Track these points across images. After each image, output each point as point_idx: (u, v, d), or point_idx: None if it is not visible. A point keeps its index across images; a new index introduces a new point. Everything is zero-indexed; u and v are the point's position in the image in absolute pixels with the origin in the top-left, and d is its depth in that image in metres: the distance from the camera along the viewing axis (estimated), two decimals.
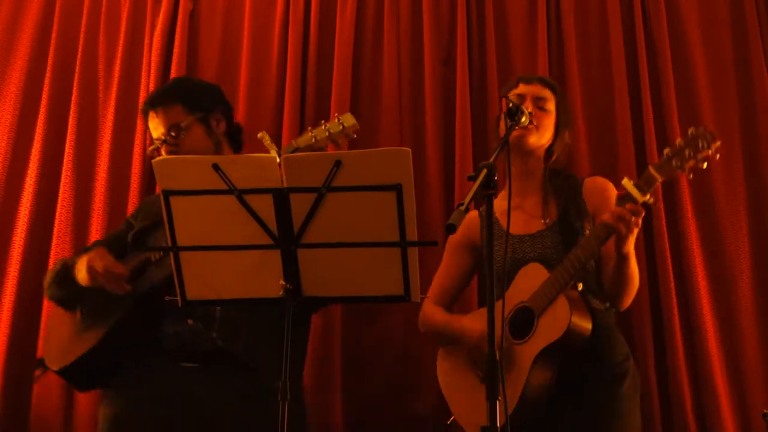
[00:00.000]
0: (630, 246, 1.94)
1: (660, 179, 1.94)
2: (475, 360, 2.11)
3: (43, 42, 3.35)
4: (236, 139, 2.35)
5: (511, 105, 1.94)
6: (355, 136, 2.18)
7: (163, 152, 2.21)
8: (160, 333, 2.04)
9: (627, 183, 1.95)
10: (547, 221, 2.17)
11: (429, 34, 3.24)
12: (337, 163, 1.57)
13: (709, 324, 2.88)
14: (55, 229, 3.08)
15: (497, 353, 1.49)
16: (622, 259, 1.97)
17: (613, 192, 2.23)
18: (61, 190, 3.12)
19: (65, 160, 3.16)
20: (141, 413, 2.02)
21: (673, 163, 1.94)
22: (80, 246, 3.06)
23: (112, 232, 2.42)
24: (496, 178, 1.59)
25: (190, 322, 2.05)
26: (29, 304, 3.01)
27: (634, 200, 1.91)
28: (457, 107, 3.12)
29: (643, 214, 1.91)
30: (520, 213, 2.19)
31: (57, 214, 3.09)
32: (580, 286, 2.06)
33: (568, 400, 2.00)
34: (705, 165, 1.94)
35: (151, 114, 2.25)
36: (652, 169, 1.96)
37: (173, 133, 2.20)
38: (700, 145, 1.92)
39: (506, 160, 2.24)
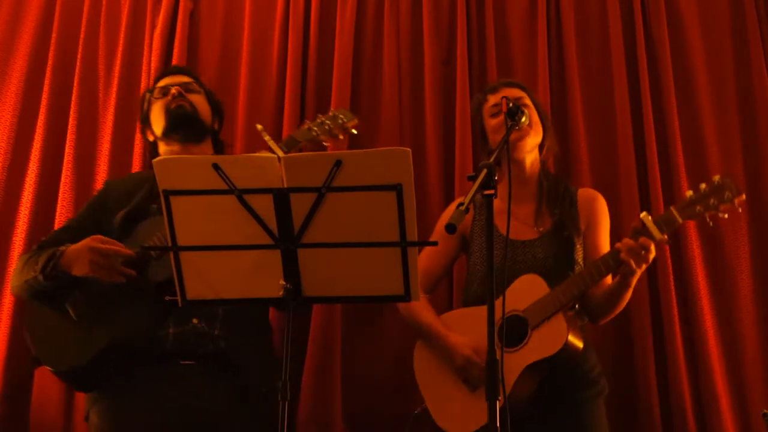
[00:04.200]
0: (636, 278, 1.96)
1: (681, 221, 1.94)
2: (460, 375, 2.11)
3: (43, 42, 3.34)
4: (219, 148, 2.41)
5: (511, 105, 1.94)
6: (355, 131, 2.16)
7: (183, 95, 2.31)
8: (161, 332, 2.02)
9: (646, 218, 1.94)
10: (540, 230, 2.18)
11: (429, 34, 3.24)
12: (338, 163, 1.57)
13: (709, 324, 2.87)
14: (55, 229, 3.07)
15: (498, 353, 1.49)
16: (625, 287, 1.99)
17: (601, 203, 2.27)
18: (61, 190, 3.11)
19: (65, 160, 3.15)
20: (135, 416, 1.99)
21: (697, 208, 1.93)
22: None
23: (66, 227, 2.30)
24: (496, 178, 1.60)
25: (194, 321, 2.05)
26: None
27: (650, 236, 1.90)
28: (457, 107, 3.12)
29: (654, 254, 1.91)
30: (513, 220, 2.18)
31: (57, 214, 3.08)
32: (577, 307, 2.08)
33: (546, 408, 2.03)
34: (726, 216, 1.93)
35: (168, 77, 2.42)
36: (674, 210, 1.95)
37: (193, 86, 2.37)
38: (726, 196, 1.92)
39: (506, 162, 2.26)
